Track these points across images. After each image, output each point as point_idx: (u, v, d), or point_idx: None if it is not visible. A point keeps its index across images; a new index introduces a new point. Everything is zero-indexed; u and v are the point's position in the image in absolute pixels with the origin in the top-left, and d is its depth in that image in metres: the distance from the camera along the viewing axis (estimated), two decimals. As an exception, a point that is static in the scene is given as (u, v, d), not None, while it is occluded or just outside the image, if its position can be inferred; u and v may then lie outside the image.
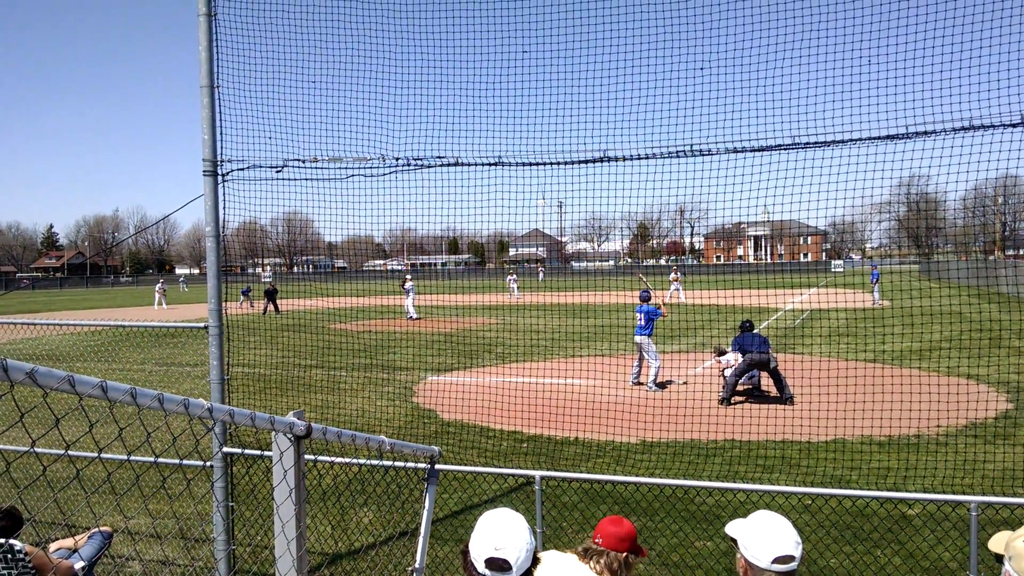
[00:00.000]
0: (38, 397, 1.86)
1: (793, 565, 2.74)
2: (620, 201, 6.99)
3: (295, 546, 2.81)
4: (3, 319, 8.65)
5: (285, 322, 28.29)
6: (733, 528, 2.93)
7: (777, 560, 2.73)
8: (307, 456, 3.05)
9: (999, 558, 2.73)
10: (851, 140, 6.13)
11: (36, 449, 2.03)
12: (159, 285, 54.07)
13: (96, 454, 2.56)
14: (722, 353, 15.52)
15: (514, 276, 52.89)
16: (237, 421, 2.42)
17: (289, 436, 2.80)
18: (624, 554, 3.34)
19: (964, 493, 7.92)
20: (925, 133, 5.76)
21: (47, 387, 1.79)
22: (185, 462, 7.50)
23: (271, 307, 36.39)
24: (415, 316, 32.07)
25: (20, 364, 1.73)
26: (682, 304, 36.97)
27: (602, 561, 3.33)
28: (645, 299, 16.22)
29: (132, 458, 3.81)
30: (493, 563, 2.41)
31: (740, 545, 2.83)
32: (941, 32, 5.75)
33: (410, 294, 32.39)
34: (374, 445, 3.47)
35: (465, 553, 2.53)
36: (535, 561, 2.54)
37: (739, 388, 15.00)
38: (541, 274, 76.98)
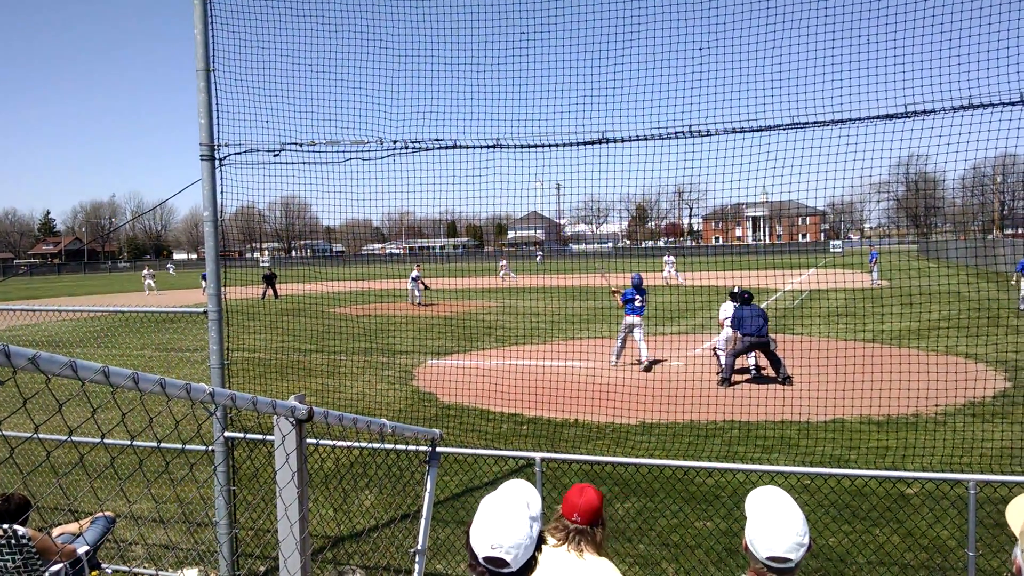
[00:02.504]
0: (38, 383, 1.86)
1: (790, 564, 2.70)
2: (618, 183, 6.97)
3: (298, 529, 2.82)
4: (2, 305, 8.64)
5: (284, 306, 28.30)
6: (750, 503, 2.88)
7: (771, 559, 2.71)
8: (308, 440, 3.06)
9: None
10: (850, 120, 6.11)
11: (39, 435, 2.04)
12: (146, 272, 54.46)
13: (99, 439, 2.57)
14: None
15: (505, 262, 53.01)
16: (239, 405, 2.42)
17: (291, 420, 2.80)
18: (583, 525, 3.30)
19: (962, 472, 7.96)
20: (924, 112, 5.74)
21: (49, 373, 1.79)
22: (187, 447, 7.52)
23: (270, 292, 36.33)
24: (420, 301, 32.17)
25: (23, 350, 1.73)
26: (681, 286, 36.96)
27: (559, 535, 3.30)
28: (637, 284, 16.36)
29: (135, 443, 3.82)
30: (490, 561, 2.36)
31: (746, 528, 2.82)
32: (940, 10, 5.72)
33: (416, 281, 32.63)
34: (375, 428, 3.48)
35: (468, 535, 2.50)
36: (541, 543, 2.50)
37: (738, 366, 15.07)
38: (539, 256, 76.55)
